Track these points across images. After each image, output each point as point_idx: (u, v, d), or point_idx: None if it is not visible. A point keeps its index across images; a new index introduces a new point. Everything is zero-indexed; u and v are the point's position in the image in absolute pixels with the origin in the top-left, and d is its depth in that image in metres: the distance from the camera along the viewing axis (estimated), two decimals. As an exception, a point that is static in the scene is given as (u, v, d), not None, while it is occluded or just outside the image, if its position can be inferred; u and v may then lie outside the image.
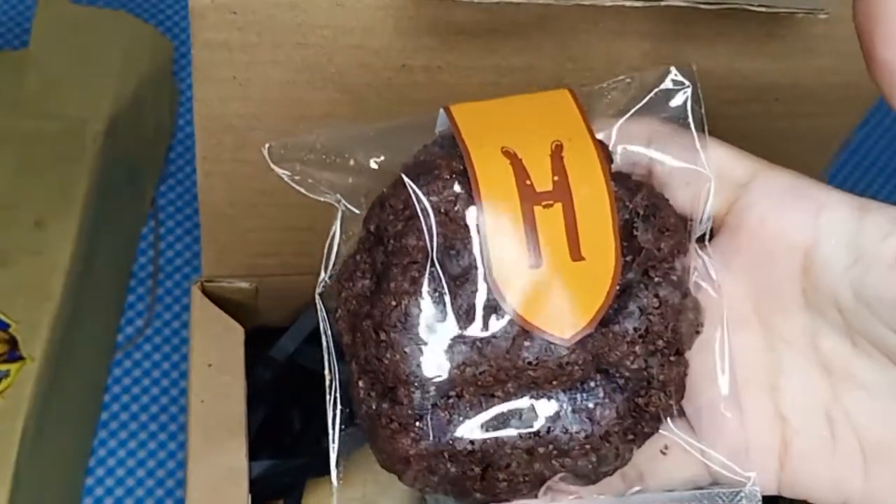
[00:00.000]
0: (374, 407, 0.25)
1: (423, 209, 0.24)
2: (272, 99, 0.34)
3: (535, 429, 0.25)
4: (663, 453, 0.27)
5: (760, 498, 0.27)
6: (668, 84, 0.27)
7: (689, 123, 0.26)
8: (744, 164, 0.27)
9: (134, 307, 0.58)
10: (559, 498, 0.27)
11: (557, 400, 0.25)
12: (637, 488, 0.27)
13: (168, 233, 0.61)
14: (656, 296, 0.25)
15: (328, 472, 0.43)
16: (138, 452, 0.54)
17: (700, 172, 0.26)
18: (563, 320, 0.25)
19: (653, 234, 0.26)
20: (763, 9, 0.29)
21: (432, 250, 0.24)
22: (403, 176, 0.25)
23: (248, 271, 0.43)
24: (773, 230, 0.26)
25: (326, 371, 0.26)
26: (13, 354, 0.45)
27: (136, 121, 0.56)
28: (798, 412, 0.27)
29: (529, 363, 0.25)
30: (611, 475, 0.26)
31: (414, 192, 0.24)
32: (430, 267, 0.24)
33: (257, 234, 0.41)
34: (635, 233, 0.25)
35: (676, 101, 0.27)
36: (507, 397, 0.25)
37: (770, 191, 0.26)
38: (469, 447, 0.25)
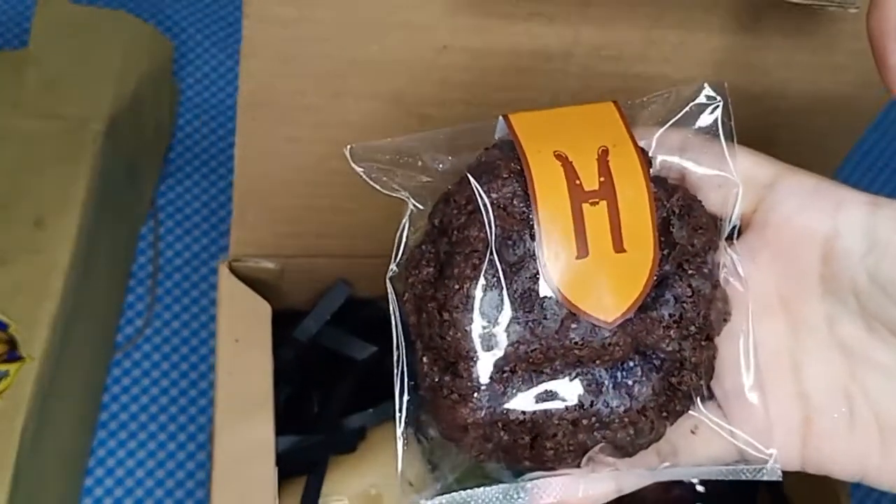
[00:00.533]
0: (436, 380, 0.28)
1: (485, 204, 0.27)
2: (314, 75, 0.34)
3: (579, 402, 0.28)
4: (693, 433, 0.30)
5: (781, 473, 0.29)
6: (702, 99, 0.30)
7: (719, 134, 0.30)
8: (768, 168, 0.30)
9: (133, 307, 0.58)
10: (599, 468, 0.29)
11: (600, 377, 0.28)
12: (668, 463, 0.30)
13: (168, 233, 0.61)
14: (689, 286, 0.28)
15: (350, 449, 0.43)
16: (137, 453, 0.54)
17: (728, 178, 0.29)
18: (607, 305, 0.28)
19: (687, 232, 0.29)
20: (796, 0, 0.30)
21: (492, 241, 0.27)
22: (468, 175, 0.28)
23: (273, 251, 0.44)
24: (796, 226, 0.29)
25: (395, 347, 0.29)
26: (12, 354, 0.45)
27: (135, 121, 0.56)
28: (819, 391, 0.29)
29: (576, 343, 0.28)
30: (646, 448, 0.29)
31: (477, 189, 0.27)
32: (490, 256, 0.27)
33: (284, 213, 0.41)
34: (671, 229, 0.28)
35: (709, 115, 0.30)
36: (555, 374, 0.28)
37: (793, 191, 0.29)
38: (521, 417, 0.28)
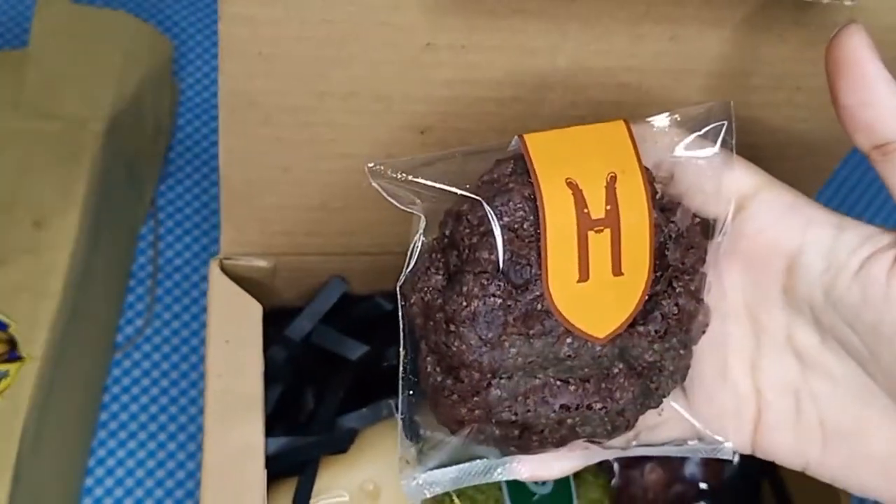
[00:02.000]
0: (438, 380, 0.31)
1: (496, 228, 0.29)
2: (296, 75, 0.34)
3: (565, 405, 0.30)
4: (659, 415, 0.33)
5: (732, 453, 0.33)
6: (708, 120, 0.32)
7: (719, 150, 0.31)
8: (752, 179, 0.31)
9: (133, 307, 0.58)
10: (574, 448, 0.32)
11: (587, 383, 0.31)
12: (635, 443, 0.33)
13: (168, 233, 0.61)
14: (676, 304, 0.31)
15: (342, 450, 0.44)
16: (138, 453, 0.54)
17: (721, 193, 0.31)
18: (600, 323, 0.30)
19: (680, 252, 0.31)
20: None
21: (501, 263, 0.29)
22: (481, 199, 0.29)
23: (264, 249, 0.44)
24: (767, 238, 0.31)
25: (402, 347, 0.32)
26: (13, 354, 0.45)
27: (135, 121, 0.56)
28: (771, 389, 0.32)
29: (568, 355, 0.30)
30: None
31: (490, 213, 0.29)
32: (498, 276, 0.29)
33: (274, 213, 0.41)
34: (666, 253, 0.30)
35: (714, 135, 0.32)
36: (547, 380, 0.30)
37: (770, 205, 0.31)
38: (513, 418, 0.30)
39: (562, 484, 0.44)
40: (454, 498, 0.42)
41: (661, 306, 0.30)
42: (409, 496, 0.32)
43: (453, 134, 0.37)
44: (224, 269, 0.43)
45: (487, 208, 0.29)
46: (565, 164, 0.30)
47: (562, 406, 0.30)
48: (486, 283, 0.29)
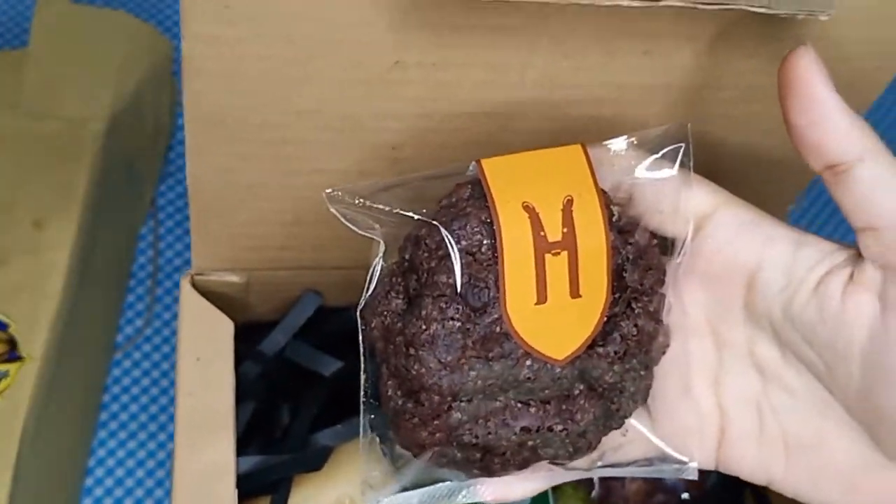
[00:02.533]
0: (399, 403, 0.31)
1: (454, 252, 0.29)
2: (262, 94, 0.34)
3: (526, 427, 0.31)
4: (623, 436, 0.33)
5: (697, 473, 0.33)
6: (666, 143, 0.32)
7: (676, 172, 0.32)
8: (709, 198, 0.31)
9: (133, 307, 0.58)
10: (537, 469, 0.32)
11: (547, 406, 0.31)
12: (600, 463, 0.33)
13: (167, 233, 0.61)
14: (636, 325, 0.31)
15: (316, 468, 0.43)
16: (138, 452, 0.54)
17: (679, 213, 0.31)
18: (560, 346, 0.30)
19: (638, 274, 0.31)
20: (763, 10, 0.29)
21: (458, 287, 0.29)
22: (438, 224, 0.30)
23: (237, 265, 0.43)
24: (726, 256, 0.31)
25: (363, 370, 0.32)
26: (12, 354, 0.45)
27: (135, 121, 0.56)
28: (734, 404, 0.32)
29: (528, 378, 0.30)
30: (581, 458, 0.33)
31: (447, 237, 0.29)
32: (456, 300, 0.29)
33: (246, 228, 0.41)
34: (624, 274, 0.31)
35: (672, 156, 0.32)
36: (507, 402, 0.30)
37: (728, 223, 0.31)
38: (474, 440, 0.30)
39: (540, 497, 0.43)
40: None
41: (621, 327, 0.31)
42: None
43: (426, 150, 0.37)
44: (195, 285, 0.43)
45: (445, 232, 0.29)
46: (522, 188, 0.30)
47: (522, 428, 0.30)
48: (444, 306, 0.29)
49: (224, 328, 0.41)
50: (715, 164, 0.41)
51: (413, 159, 0.38)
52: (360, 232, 0.32)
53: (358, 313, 0.32)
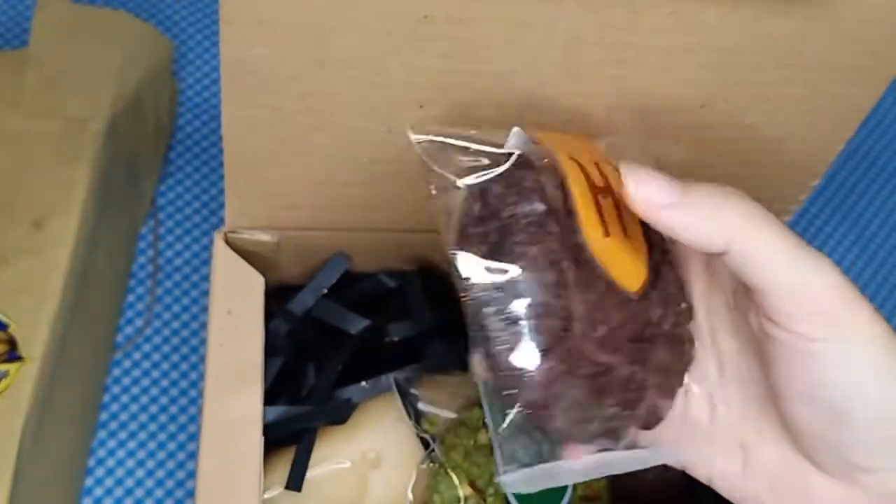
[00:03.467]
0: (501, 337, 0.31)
1: (536, 188, 0.30)
2: (295, 44, 0.34)
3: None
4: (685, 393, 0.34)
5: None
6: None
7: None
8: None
9: (133, 307, 0.58)
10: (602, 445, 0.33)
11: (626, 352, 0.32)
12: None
13: (168, 233, 0.61)
14: (675, 275, 0.33)
15: (340, 421, 0.44)
16: (138, 453, 0.54)
17: None
18: (629, 277, 0.31)
19: (658, 236, 0.33)
20: None
21: (550, 209, 0.30)
22: (515, 168, 0.31)
23: (269, 223, 0.44)
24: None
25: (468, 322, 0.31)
26: (12, 354, 0.45)
27: (135, 120, 0.56)
28: (695, 390, 0.34)
29: (612, 309, 0.31)
30: (653, 423, 0.33)
31: (529, 177, 0.30)
32: (547, 221, 0.30)
33: (278, 187, 0.41)
34: (646, 230, 0.32)
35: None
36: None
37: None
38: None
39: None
40: (449, 471, 0.42)
41: (663, 272, 0.32)
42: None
43: (452, 108, 0.38)
44: (228, 243, 0.43)
45: (520, 173, 0.30)
46: (565, 146, 0.32)
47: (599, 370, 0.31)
48: (535, 230, 0.30)
49: (256, 283, 0.42)
50: (734, 144, 0.41)
51: (439, 119, 0.38)
52: (438, 170, 0.32)
53: (450, 257, 0.31)
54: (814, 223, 0.69)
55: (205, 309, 0.59)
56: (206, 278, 0.60)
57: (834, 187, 0.70)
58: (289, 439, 0.44)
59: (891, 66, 0.39)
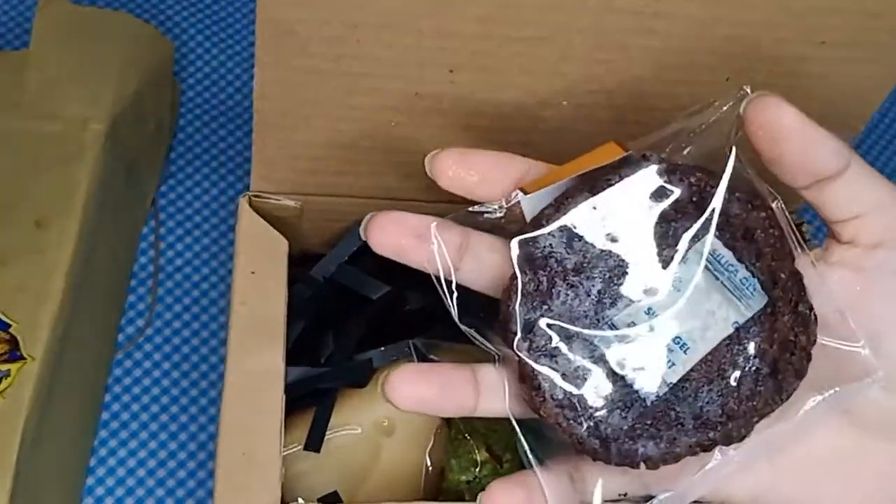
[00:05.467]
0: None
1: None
2: (332, 3, 0.35)
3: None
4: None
5: None
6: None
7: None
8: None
9: (135, 307, 0.58)
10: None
11: None
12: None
13: (168, 233, 0.61)
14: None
15: (360, 384, 0.45)
16: (139, 452, 0.54)
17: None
18: None
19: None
20: None
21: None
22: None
23: (293, 189, 0.44)
24: None
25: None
26: (13, 354, 0.45)
27: (136, 121, 0.56)
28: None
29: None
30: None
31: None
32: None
33: (304, 150, 0.42)
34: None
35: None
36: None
37: None
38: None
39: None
40: (467, 436, 0.42)
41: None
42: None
43: (481, 75, 0.38)
44: (252, 206, 0.44)
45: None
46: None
47: None
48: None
49: (279, 246, 0.43)
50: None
51: (468, 85, 0.38)
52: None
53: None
54: (813, 223, 0.69)
55: (206, 308, 0.59)
56: (206, 278, 0.60)
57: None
58: (308, 400, 0.44)
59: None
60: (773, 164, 0.31)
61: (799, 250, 0.33)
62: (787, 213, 0.33)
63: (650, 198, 0.31)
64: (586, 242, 0.32)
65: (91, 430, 0.54)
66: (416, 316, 0.48)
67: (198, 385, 0.56)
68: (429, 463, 0.45)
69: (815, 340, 0.32)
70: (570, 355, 0.31)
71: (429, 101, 0.37)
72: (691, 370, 0.32)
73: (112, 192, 0.53)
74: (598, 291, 0.32)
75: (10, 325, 0.45)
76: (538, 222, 0.32)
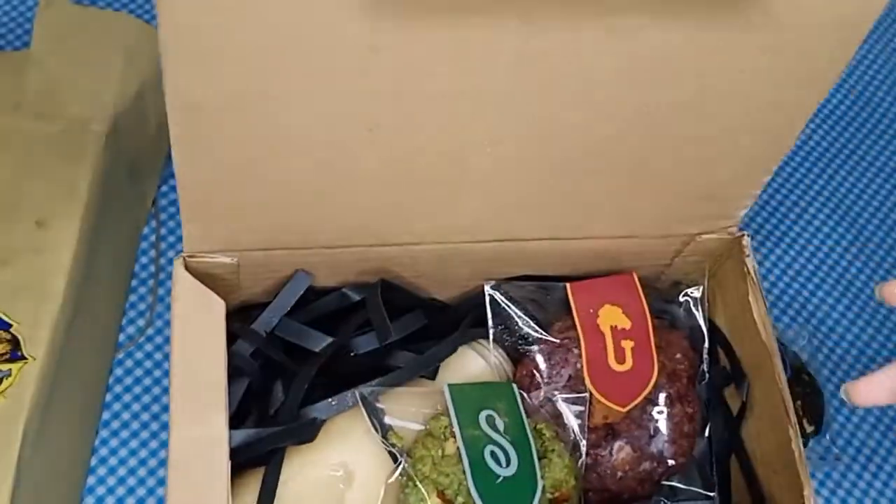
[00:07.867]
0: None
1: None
2: (241, 80, 0.35)
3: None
4: None
5: None
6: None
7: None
8: None
9: (135, 307, 0.59)
10: None
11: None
12: None
13: (169, 233, 0.61)
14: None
15: (308, 440, 0.45)
16: (140, 451, 0.54)
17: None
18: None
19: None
20: None
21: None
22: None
23: (229, 246, 0.44)
24: None
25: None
26: (15, 354, 0.45)
27: (137, 121, 0.56)
28: None
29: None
30: None
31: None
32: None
33: (234, 211, 0.42)
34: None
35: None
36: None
37: None
38: None
39: (527, 465, 0.44)
40: (417, 483, 0.42)
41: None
42: None
43: (401, 132, 0.38)
44: (188, 268, 0.44)
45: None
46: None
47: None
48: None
49: (216, 307, 0.43)
50: (680, 151, 0.42)
51: (389, 144, 0.39)
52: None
53: None
54: (812, 223, 0.69)
55: (206, 308, 0.59)
56: (207, 278, 0.60)
57: (832, 187, 0.70)
58: (259, 460, 0.44)
59: (825, 72, 0.39)
60: None
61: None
62: None
63: None
64: None
65: (92, 430, 0.54)
66: (362, 362, 0.48)
67: (198, 384, 0.57)
68: None
69: None
70: None
71: (349, 162, 0.38)
72: None
73: (113, 192, 0.53)
74: None
75: (11, 325, 0.45)
76: None
